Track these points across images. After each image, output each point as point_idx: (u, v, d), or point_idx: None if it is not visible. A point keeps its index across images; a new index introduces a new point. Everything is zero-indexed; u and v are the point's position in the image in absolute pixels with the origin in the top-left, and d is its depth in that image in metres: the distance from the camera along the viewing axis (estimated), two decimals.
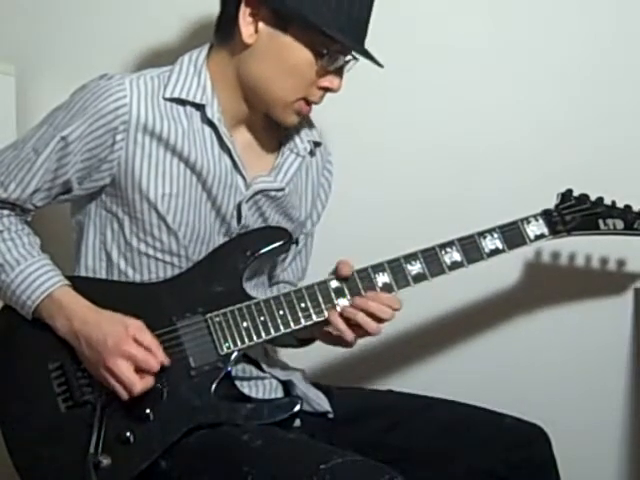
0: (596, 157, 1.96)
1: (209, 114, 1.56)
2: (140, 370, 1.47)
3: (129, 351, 1.46)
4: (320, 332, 1.61)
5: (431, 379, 2.01)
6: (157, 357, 1.48)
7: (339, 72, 1.56)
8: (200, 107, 1.57)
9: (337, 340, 1.58)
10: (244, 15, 1.51)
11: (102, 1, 2.00)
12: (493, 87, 1.98)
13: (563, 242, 1.93)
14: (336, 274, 1.55)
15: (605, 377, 2.01)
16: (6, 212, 1.57)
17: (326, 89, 1.56)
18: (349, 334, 1.53)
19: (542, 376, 2.02)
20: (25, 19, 1.98)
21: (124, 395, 1.47)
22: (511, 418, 1.66)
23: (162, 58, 1.90)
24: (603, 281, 1.98)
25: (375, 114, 1.98)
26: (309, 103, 1.58)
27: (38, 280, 1.52)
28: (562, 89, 1.97)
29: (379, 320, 1.52)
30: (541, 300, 2.02)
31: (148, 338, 1.48)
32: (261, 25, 1.52)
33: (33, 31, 1.98)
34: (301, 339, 1.71)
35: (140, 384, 1.46)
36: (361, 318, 1.51)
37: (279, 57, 1.53)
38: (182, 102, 1.56)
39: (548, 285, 2.01)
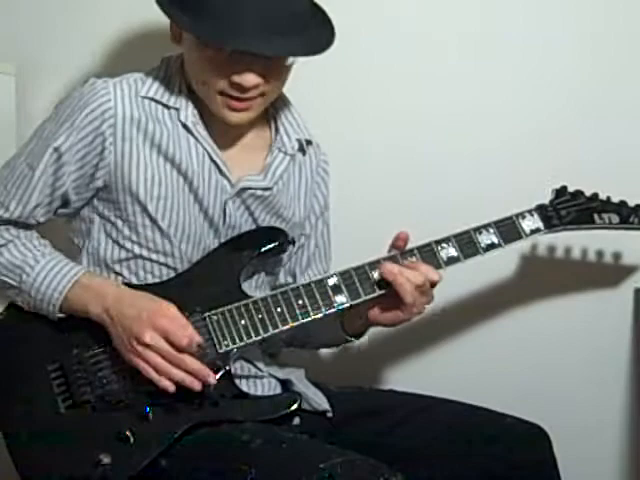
0: (594, 157, 1.95)
1: (182, 117, 1.57)
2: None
3: (164, 326, 1.46)
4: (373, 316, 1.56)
5: (431, 379, 2.00)
6: (189, 334, 1.46)
7: (250, 68, 1.50)
8: (175, 110, 1.58)
9: (393, 319, 1.55)
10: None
11: (102, 1, 1.99)
12: (491, 86, 1.98)
13: (562, 242, 1.94)
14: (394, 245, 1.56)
15: (605, 377, 2.01)
16: (10, 227, 1.58)
17: (238, 85, 1.51)
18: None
19: (542, 376, 2.02)
20: (25, 19, 1.98)
21: (167, 369, 1.45)
22: (511, 418, 1.66)
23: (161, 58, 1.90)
24: (603, 281, 1.98)
25: (374, 114, 1.98)
26: (234, 98, 1.53)
27: (62, 272, 1.52)
28: (560, 88, 1.97)
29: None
30: (541, 301, 2.02)
31: (183, 320, 1.48)
32: (173, 26, 1.56)
33: (33, 31, 1.98)
34: (353, 334, 1.67)
35: (179, 357, 1.45)
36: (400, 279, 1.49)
37: (189, 57, 1.55)
38: (162, 103, 1.57)
39: (548, 286, 2.01)
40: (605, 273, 1.98)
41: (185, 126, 1.57)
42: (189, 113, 1.57)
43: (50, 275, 1.52)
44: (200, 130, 1.58)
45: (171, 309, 1.48)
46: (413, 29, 1.97)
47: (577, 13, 1.96)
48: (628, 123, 1.96)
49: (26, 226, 1.59)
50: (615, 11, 1.95)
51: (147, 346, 1.46)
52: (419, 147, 1.99)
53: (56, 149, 1.53)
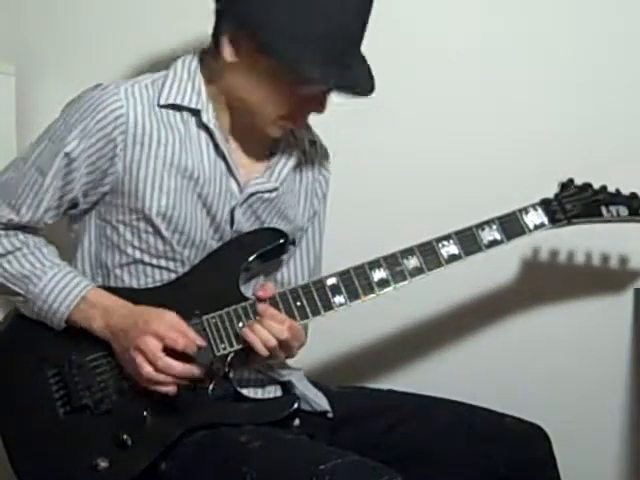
0: (600, 159, 1.95)
1: (205, 119, 1.55)
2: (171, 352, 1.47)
3: (158, 330, 1.46)
4: None
5: (431, 379, 2.01)
6: (188, 337, 1.47)
7: (324, 96, 1.53)
8: (196, 112, 1.56)
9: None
10: (225, 35, 1.50)
11: (102, 1, 1.99)
12: (493, 87, 1.98)
13: (563, 241, 1.94)
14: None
15: (605, 377, 2.01)
16: (19, 232, 1.57)
17: (309, 112, 1.55)
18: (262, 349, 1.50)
19: (542, 376, 2.02)
20: (25, 19, 1.98)
21: (149, 371, 1.45)
22: (511, 418, 1.67)
23: (162, 58, 1.90)
24: (603, 281, 1.98)
25: (375, 113, 1.97)
26: (292, 120, 1.56)
27: (69, 285, 1.53)
28: (566, 89, 1.97)
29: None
30: (541, 301, 2.02)
31: (182, 324, 1.48)
32: (243, 45, 1.49)
33: (33, 31, 1.98)
34: None
35: (165, 360, 1.45)
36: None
37: (258, 80, 1.51)
38: (178, 108, 1.56)
39: (548, 286, 2.01)
40: (605, 274, 1.97)
41: (204, 127, 1.56)
42: (210, 115, 1.56)
43: (58, 288, 1.52)
44: (218, 132, 1.57)
45: (168, 314, 1.49)
46: (413, 29, 1.97)
47: (579, 14, 1.95)
48: (634, 124, 1.96)
49: (34, 230, 1.59)
50: (618, 11, 1.95)
51: (141, 352, 1.46)
52: (421, 147, 1.99)
53: (67, 154, 1.52)
